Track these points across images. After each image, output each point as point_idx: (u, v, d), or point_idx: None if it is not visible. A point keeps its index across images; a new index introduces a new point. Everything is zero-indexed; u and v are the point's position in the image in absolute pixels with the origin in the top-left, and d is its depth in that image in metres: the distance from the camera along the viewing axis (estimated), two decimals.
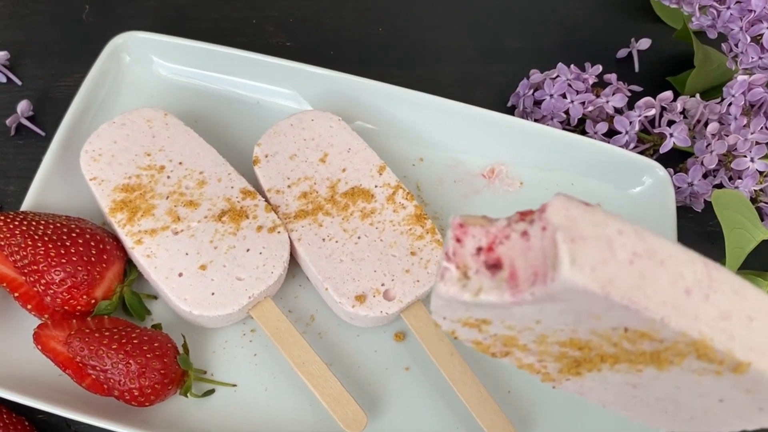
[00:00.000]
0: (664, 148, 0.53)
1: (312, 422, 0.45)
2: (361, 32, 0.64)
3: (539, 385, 0.47)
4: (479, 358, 0.47)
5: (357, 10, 0.65)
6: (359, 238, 0.48)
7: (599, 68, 0.57)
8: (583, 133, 0.56)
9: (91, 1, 0.63)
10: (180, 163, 0.48)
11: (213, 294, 0.45)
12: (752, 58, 0.52)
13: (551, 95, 0.56)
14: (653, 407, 0.35)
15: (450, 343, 0.46)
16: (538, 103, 0.58)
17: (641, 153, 0.56)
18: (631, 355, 0.31)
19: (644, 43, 0.63)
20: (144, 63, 0.56)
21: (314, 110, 0.52)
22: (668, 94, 0.55)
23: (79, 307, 0.44)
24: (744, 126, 0.51)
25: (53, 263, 0.43)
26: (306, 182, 0.49)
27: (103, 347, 0.41)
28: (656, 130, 0.55)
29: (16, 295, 0.44)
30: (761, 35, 0.52)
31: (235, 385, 0.46)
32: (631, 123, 0.55)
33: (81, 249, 0.43)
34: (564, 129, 0.56)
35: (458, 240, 0.31)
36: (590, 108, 0.56)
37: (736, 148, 0.51)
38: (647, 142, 0.57)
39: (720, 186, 0.53)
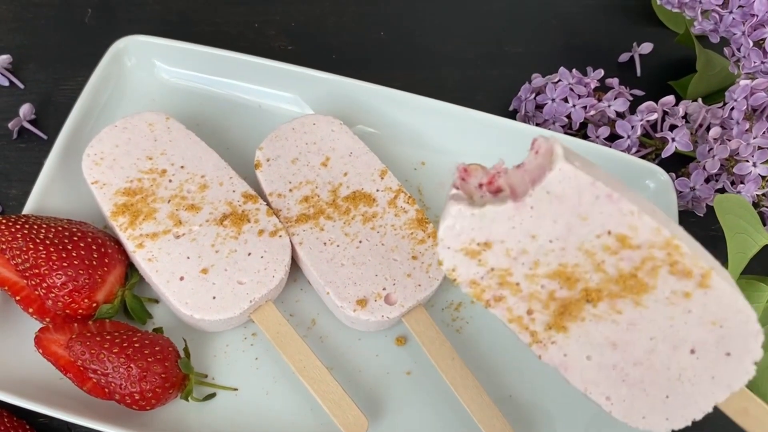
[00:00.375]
0: (666, 152, 0.53)
1: (313, 426, 0.45)
2: (362, 36, 0.64)
3: (540, 390, 0.47)
4: (480, 362, 0.47)
5: (359, 14, 0.65)
6: (360, 242, 0.48)
7: (601, 72, 0.57)
8: (585, 137, 0.56)
9: (94, 5, 0.63)
10: (182, 167, 0.49)
11: (214, 298, 0.45)
12: (754, 62, 0.52)
13: (553, 99, 0.56)
14: (632, 387, 0.36)
15: (451, 347, 0.45)
16: (539, 107, 0.58)
17: (643, 157, 0.56)
18: (611, 285, 0.35)
19: (646, 48, 0.63)
20: (146, 67, 0.56)
21: (316, 114, 0.52)
22: (670, 99, 0.55)
23: (80, 311, 0.44)
24: (746, 130, 0.51)
25: (55, 267, 0.43)
26: (307, 186, 0.49)
27: (104, 351, 0.41)
28: (658, 135, 0.55)
29: (17, 298, 0.44)
30: (763, 40, 0.52)
31: (236, 389, 0.46)
32: (633, 127, 0.54)
33: (82, 253, 0.43)
34: (566, 133, 0.56)
35: (463, 179, 0.35)
36: (592, 112, 0.56)
37: (738, 153, 0.51)
38: (649, 147, 0.57)
39: (722, 190, 0.53)
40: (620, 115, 0.56)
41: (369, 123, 0.55)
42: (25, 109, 0.55)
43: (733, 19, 0.52)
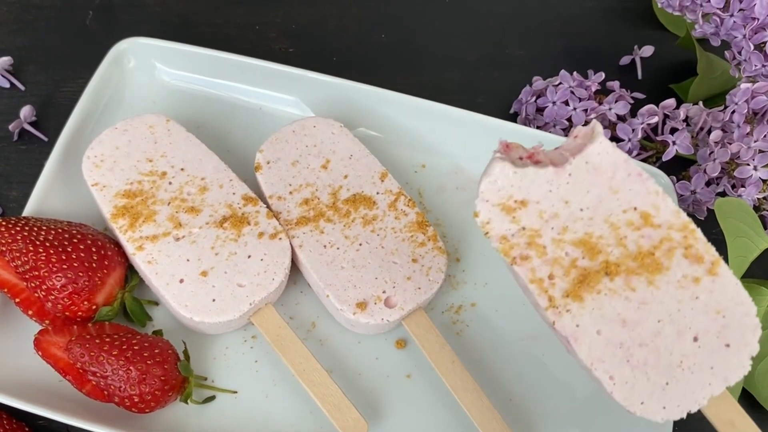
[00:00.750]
0: (667, 155, 0.53)
1: (312, 429, 0.45)
2: (363, 39, 0.64)
3: (540, 394, 0.47)
4: (480, 366, 0.47)
5: (360, 17, 0.65)
6: (361, 245, 0.48)
7: (602, 75, 0.57)
8: None
9: (95, 7, 0.63)
10: (182, 169, 0.49)
11: (214, 300, 0.45)
12: (755, 65, 0.52)
13: (554, 102, 0.56)
14: (635, 369, 0.37)
15: (451, 350, 0.45)
16: (540, 110, 0.58)
17: (644, 160, 0.56)
18: (629, 261, 0.37)
19: (647, 51, 0.63)
20: (146, 69, 0.56)
21: (316, 117, 0.52)
22: (671, 102, 0.55)
23: (80, 313, 0.44)
24: (747, 134, 0.51)
25: (54, 269, 0.43)
26: (308, 189, 0.49)
27: (103, 353, 0.41)
28: (659, 138, 0.55)
29: (17, 300, 0.44)
30: (765, 43, 0.52)
31: (235, 392, 0.46)
32: (633, 130, 0.54)
33: (82, 255, 0.43)
34: (566, 136, 0.56)
35: (505, 153, 0.37)
36: (593, 115, 0.56)
37: (739, 156, 0.51)
38: (650, 150, 0.57)
39: (723, 194, 0.53)
40: (621, 118, 0.56)
41: (369, 126, 0.55)
42: (26, 111, 0.56)
43: (734, 22, 0.52)
